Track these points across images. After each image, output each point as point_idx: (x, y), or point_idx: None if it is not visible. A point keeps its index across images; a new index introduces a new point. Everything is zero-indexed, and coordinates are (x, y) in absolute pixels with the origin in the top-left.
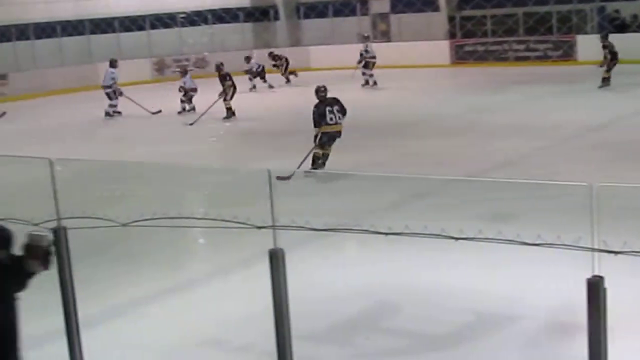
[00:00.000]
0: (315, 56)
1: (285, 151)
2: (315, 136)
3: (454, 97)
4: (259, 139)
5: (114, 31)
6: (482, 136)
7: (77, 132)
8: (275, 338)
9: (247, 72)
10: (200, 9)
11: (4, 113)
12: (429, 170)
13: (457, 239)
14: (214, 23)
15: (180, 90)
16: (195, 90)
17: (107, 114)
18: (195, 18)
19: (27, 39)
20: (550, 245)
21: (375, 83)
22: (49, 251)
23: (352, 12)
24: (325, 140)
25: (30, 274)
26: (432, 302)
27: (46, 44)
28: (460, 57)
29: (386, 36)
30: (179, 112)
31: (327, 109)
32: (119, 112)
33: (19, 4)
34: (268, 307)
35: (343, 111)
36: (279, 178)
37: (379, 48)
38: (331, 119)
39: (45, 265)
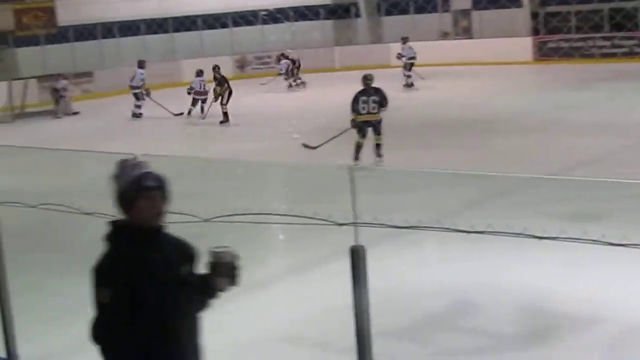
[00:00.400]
0: (395, 53)
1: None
2: (352, 120)
3: (537, 95)
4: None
5: (197, 29)
6: (566, 134)
7: (160, 129)
8: (354, 335)
9: (280, 73)
10: (282, 6)
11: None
12: (511, 168)
13: (540, 238)
14: (295, 20)
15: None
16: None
17: (134, 114)
18: (277, 15)
19: (112, 37)
20: (636, 245)
21: (412, 84)
22: (235, 266)
23: (434, 9)
24: (354, 126)
25: (216, 292)
26: (513, 301)
27: (131, 41)
28: (544, 53)
29: (468, 33)
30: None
31: (362, 98)
32: (140, 114)
33: (105, 3)
34: (347, 304)
35: (381, 103)
36: (305, 146)
37: (460, 45)
38: (363, 108)
39: (232, 281)
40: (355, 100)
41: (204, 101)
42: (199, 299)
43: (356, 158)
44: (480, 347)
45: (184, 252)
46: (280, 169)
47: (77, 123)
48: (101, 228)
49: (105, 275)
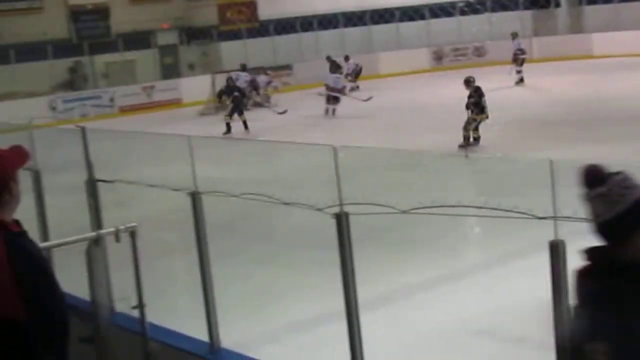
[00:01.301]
0: (598, 43)
1: (559, 141)
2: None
3: None
4: (529, 128)
5: (393, 21)
6: None
7: (358, 120)
8: (553, 331)
9: (346, 75)
10: None
11: (285, 111)
12: None
13: None
14: (494, 11)
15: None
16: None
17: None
18: (477, 6)
19: (312, 30)
20: None
21: (522, 80)
22: None
23: None
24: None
25: None
26: None
27: (329, 35)
28: None
29: None
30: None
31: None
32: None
33: None
34: (545, 300)
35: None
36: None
37: None
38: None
39: None
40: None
41: (335, 98)
42: None
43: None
44: None
45: None
46: (473, 161)
47: (276, 115)
48: (299, 218)
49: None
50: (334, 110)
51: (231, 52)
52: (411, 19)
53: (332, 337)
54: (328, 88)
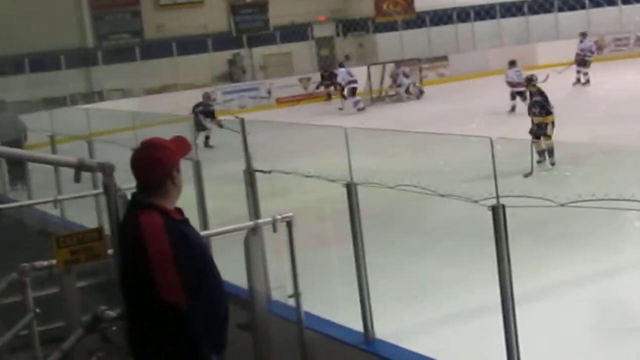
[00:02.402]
0: None
1: None
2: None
3: None
4: None
5: (552, 11)
6: None
7: (516, 112)
8: None
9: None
10: None
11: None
12: None
13: None
14: None
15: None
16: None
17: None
18: None
19: (468, 21)
20: None
21: (587, 82)
22: None
23: None
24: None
25: None
26: None
27: (485, 25)
28: None
29: None
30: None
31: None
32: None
33: None
34: None
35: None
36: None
37: None
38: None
39: None
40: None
41: (520, 93)
42: None
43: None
44: None
45: None
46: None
47: (429, 106)
48: (454, 211)
49: None
50: (513, 107)
51: (387, 43)
52: (571, 8)
53: (487, 330)
54: (511, 84)
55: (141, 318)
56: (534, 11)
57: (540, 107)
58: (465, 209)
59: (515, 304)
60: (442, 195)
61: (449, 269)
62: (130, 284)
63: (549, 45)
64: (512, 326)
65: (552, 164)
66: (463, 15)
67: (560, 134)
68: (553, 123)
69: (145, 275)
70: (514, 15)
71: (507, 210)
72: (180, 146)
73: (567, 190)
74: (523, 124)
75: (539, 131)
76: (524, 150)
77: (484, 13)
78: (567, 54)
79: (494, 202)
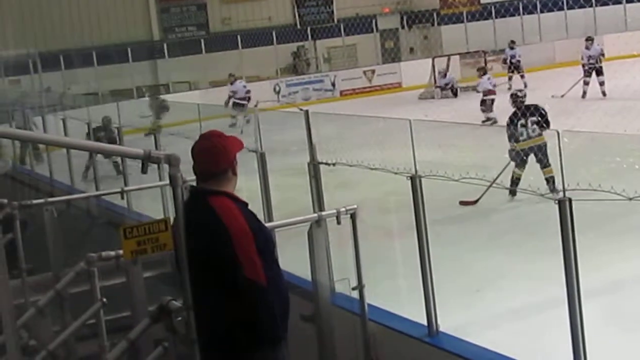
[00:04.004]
0: None
1: None
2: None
3: None
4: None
5: (620, 2)
6: None
7: (586, 104)
8: None
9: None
10: None
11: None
12: None
13: None
14: None
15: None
16: (492, 92)
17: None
18: None
19: (534, 12)
20: None
21: (604, 93)
22: None
23: None
24: (514, 157)
25: None
26: None
27: (552, 16)
28: None
29: None
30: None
31: (519, 122)
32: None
33: None
34: None
35: (543, 122)
36: (462, 203)
37: None
38: (522, 133)
39: None
40: (512, 130)
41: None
42: None
43: (511, 192)
44: None
45: None
46: None
47: (495, 98)
48: (521, 204)
49: None
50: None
51: (452, 35)
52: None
53: (553, 324)
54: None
55: (218, 299)
56: (602, 3)
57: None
58: (533, 202)
59: (583, 297)
60: (507, 188)
61: (514, 263)
62: (208, 266)
63: (616, 37)
64: (578, 320)
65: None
66: (529, 6)
67: (626, 127)
68: None
69: (228, 256)
70: (581, 6)
71: (575, 204)
72: (238, 142)
73: (636, 183)
74: (589, 117)
75: (520, 161)
76: (592, 142)
77: (550, 4)
78: (635, 46)
79: (560, 195)
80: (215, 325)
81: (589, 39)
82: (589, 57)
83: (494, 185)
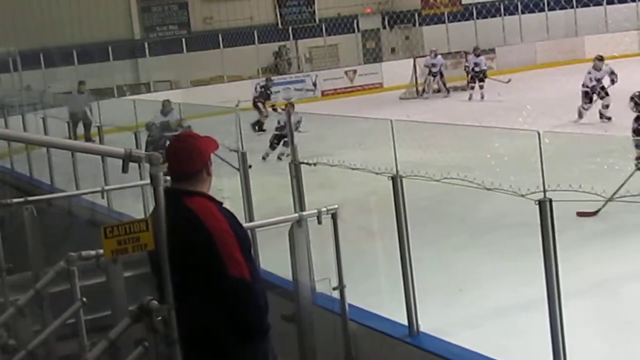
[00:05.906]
0: None
1: None
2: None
3: None
4: None
5: (600, 4)
6: None
7: (562, 106)
8: None
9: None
10: None
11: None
12: None
13: None
14: None
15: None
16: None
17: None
18: None
19: (515, 13)
20: None
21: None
22: None
23: None
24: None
25: None
26: None
27: (533, 18)
28: None
29: None
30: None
31: None
32: None
33: None
34: None
35: None
36: (579, 214)
37: None
38: None
39: None
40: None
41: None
42: None
43: None
44: None
45: None
46: None
47: (476, 99)
48: (499, 204)
49: None
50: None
51: (433, 36)
52: (621, 1)
53: (533, 325)
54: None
55: (201, 297)
56: (582, 4)
57: None
58: (513, 202)
59: (562, 298)
60: (488, 189)
61: (494, 263)
62: (188, 266)
63: (597, 38)
64: (558, 320)
65: None
66: (511, 7)
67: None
68: None
69: (210, 255)
70: (562, 8)
71: (555, 205)
72: (212, 142)
73: (616, 184)
74: (571, 117)
75: None
76: (572, 143)
77: (531, 5)
78: (616, 48)
79: (540, 195)
80: (203, 324)
81: (599, 58)
82: (596, 79)
83: (474, 185)
